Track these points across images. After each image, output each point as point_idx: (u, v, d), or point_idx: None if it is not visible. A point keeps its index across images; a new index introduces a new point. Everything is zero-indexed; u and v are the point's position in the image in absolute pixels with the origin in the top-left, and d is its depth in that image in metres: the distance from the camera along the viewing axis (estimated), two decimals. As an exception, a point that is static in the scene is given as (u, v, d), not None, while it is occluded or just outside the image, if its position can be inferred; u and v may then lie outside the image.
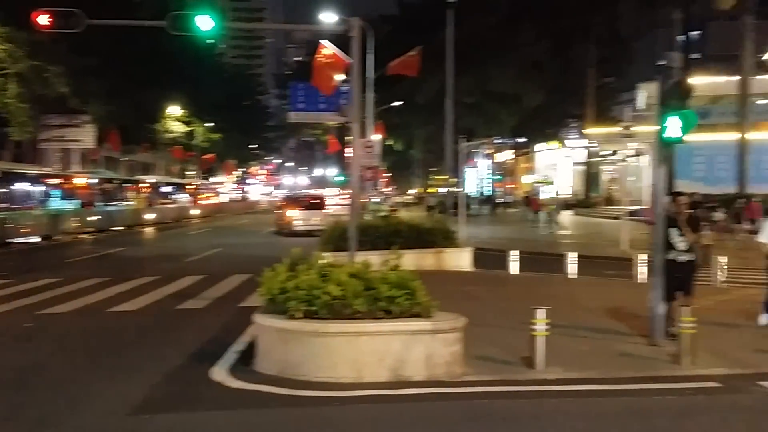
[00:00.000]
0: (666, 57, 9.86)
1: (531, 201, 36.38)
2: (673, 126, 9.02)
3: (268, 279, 8.15)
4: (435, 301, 7.80)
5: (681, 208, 9.51)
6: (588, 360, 8.16)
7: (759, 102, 38.84)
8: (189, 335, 9.87)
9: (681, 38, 38.70)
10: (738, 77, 33.43)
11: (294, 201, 34.00)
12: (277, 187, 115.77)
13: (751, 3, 31.81)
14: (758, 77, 37.27)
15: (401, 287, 7.74)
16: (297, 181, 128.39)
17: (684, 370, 7.69)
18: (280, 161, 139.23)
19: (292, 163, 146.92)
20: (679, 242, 9.33)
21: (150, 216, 41.58)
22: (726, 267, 14.81)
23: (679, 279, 9.17)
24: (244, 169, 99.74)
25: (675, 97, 9.09)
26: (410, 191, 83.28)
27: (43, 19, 13.98)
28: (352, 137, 13.54)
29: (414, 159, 72.65)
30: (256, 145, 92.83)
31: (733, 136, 33.56)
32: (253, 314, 8.25)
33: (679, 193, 9.72)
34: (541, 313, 7.80)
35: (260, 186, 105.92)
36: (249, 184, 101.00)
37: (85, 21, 14.06)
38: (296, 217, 30.81)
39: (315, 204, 32.83)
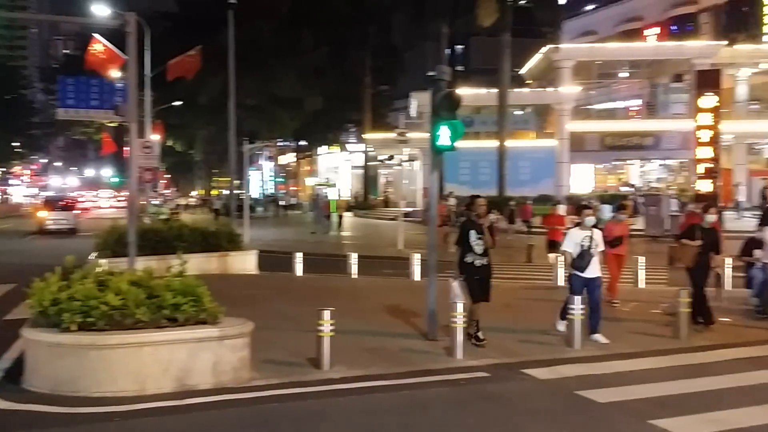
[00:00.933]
0: (436, 69, 10.52)
1: (322, 205, 36.46)
2: (444, 135, 9.69)
3: (39, 290, 7.62)
4: (221, 307, 7.75)
5: (481, 210, 9.48)
6: (371, 358, 8.54)
7: (516, 113, 42.84)
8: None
9: (447, 51, 41.60)
10: (497, 90, 36.48)
11: (48, 203, 37.78)
12: (44, 188, 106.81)
13: (508, 21, 34.81)
14: (515, 90, 41.11)
15: (186, 294, 7.60)
16: (66, 182, 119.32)
17: (457, 362, 8.33)
18: (47, 161, 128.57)
19: (61, 163, 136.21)
20: (477, 245, 9.28)
21: None
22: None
23: (478, 282, 9.24)
24: (5, 169, 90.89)
25: (445, 108, 9.72)
26: (192, 193, 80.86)
27: None
28: (128, 137, 12.96)
29: (195, 160, 70.67)
30: (19, 143, 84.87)
31: (493, 143, 36.59)
32: (21, 328, 7.65)
33: (477, 196, 9.87)
34: (326, 314, 8.04)
35: (24, 187, 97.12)
36: (11, 185, 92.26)
37: None
38: (47, 217, 34.08)
39: (65, 206, 37.10)
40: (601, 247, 9.83)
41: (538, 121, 45.01)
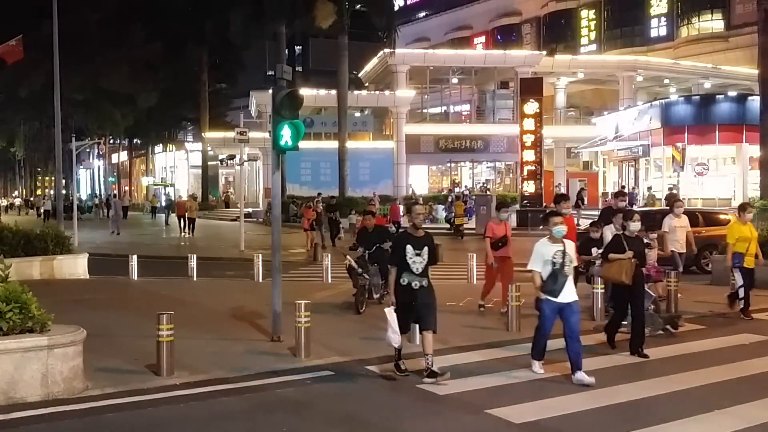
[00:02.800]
0: (276, 68, 10.46)
1: (178, 205, 34.10)
2: (286, 134, 9.67)
3: None
4: (50, 314, 7.30)
5: (418, 220, 7.95)
6: (214, 362, 8.36)
7: (355, 114, 43.54)
8: None
9: (286, 51, 41.42)
10: (336, 91, 36.89)
11: None
12: None
13: (345, 24, 35.24)
14: (354, 92, 41.79)
15: (11, 301, 7.09)
16: None
17: (303, 362, 8.36)
18: None
19: None
20: (415, 263, 7.62)
21: None
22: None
23: (416, 307, 7.67)
24: None
25: (287, 107, 9.69)
26: (14, 194, 75.13)
27: None
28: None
29: (17, 158, 65.69)
30: None
31: (333, 144, 36.97)
32: None
33: (416, 203, 8.91)
34: (165, 319, 7.78)
35: None
36: None
37: None
38: None
39: None
40: (575, 263, 8.23)
41: (376, 123, 45.99)
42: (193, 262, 16.38)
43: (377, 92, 45.45)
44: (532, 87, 32.83)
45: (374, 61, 45.67)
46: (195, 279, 16.09)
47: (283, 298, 9.51)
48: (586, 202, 33.86)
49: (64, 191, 30.95)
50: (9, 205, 60.23)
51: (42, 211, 43.49)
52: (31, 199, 65.62)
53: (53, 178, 55.93)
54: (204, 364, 8.24)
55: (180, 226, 31.78)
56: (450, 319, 10.29)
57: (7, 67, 23.32)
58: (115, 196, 48.19)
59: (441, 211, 32.74)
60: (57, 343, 7.12)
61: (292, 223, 31.13)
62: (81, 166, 57.47)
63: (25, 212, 54.31)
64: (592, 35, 54.18)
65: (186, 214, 31.07)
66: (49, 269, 15.66)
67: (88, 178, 71.13)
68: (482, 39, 59.82)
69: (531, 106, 31.79)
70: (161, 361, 7.75)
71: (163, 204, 50.20)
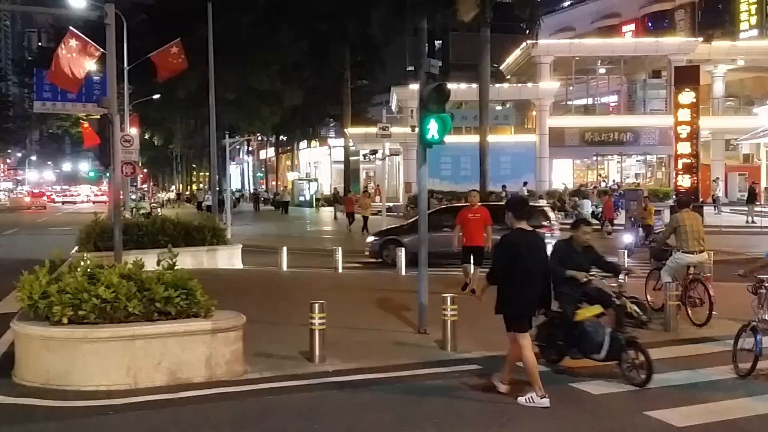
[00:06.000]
0: (424, 63, 10.47)
1: (346, 202, 32.39)
2: (433, 128, 9.70)
3: (28, 283, 7.53)
4: (213, 300, 7.71)
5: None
6: (364, 350, 8.54)
7: (496, 108, 42.99)
8: (-71, 350, 8.74)
9: (426, 47, 41.52)
10: (477, 85, 36.55)
11: None
12: (20, 182, 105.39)
13: (488, 17, 34.85)
14: (495, 85, 41.25)
15: (178, 287, 7.55)
16: (43, 176, 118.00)
17: (450, 355, 8.36)
18: (21, 154, 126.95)
19: (35, 157, 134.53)
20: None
21: None
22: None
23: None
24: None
25: (434, 101, 9.71)
26: (171, 188, 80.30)
27: None
28: (101, 130, 12.79)
29: (174, 155, 70.13)
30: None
31: (474, 138, 36.68)
32: (6, 321, 7.58)
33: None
34: (317, 308, 8.03)
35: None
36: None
37: None
38: None
39: None
40: None
41: (518, 116, 45.23)
42: (338, 255, 16.80)
43: (519, 85, 44.63)
44: (687, 75, 30.98)
45: (516, 52, 44.88)
46: (340, 271, 16.49)
47: (428, 290, 9.55)
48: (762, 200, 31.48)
49: (221, 186, 32.62)
50: (168, 199, 64.33)
51: (204, 205, 46.06)
52: (186, 193, 69.90)
53: (207, 174, 59.17)
54: (354, 352, 8.42)
55: (348, 223, 30.22)
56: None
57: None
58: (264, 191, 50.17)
59: (587, 207, 31.65)
60: (220, 327, 7.52)
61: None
62: (232, 162, 60.39)
63: (180, 205, 57.87)
64: (753, 20, 50.40)
65: (355, 210, 29.68)
66: (207, 259, 16.55)
67: (239, 174, 74.69)
68: (631, 27, 57.26)
69: (686, 96, 30.00)
70: (314, 349, 7.99)
71: (306, 198, 51.99)
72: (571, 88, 44.72)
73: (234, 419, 6.31)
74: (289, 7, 47.49)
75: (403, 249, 16.16)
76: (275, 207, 49.41)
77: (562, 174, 43.36)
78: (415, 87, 23.13)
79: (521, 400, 6.66)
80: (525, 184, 36.87)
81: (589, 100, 47.50)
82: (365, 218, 27.90)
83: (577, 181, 43.88)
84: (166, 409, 6.55)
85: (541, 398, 6.60)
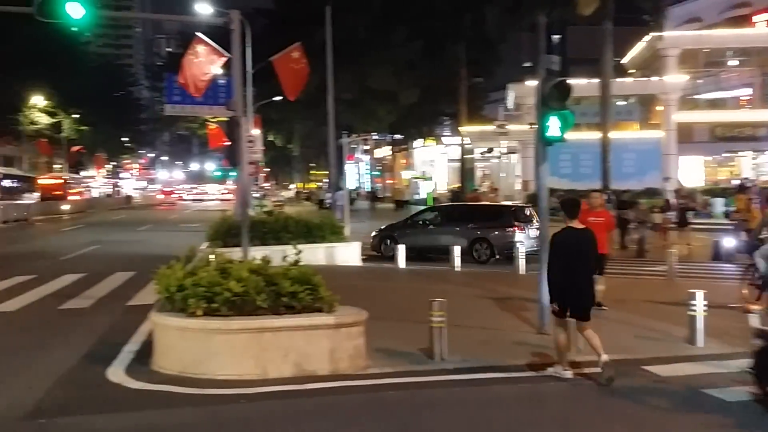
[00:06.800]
0: (544, 59, 10.27)
1: (472, 200, 30.96)
2: (554, 125, 9.53)
3: (165, 276, 7.98)
4: (336, 296, 7.90)
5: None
6: (484, 349, 8.50)
7: (618, 103, 41.57)
8: (77, 336, 9.45)
9: (544, 42, 40.61)
10: (598, 80, 35.48)
11: None
12: (152, 181, 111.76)
13: (610, 10, 33.77)
14: (617, 80, 39.87)
15: (303, 282, 7.79)
16: (172, 175, 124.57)
17: (574, 357, 8.17)
18: (154, 155, 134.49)
19: (167, 157, 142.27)
20: None
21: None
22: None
23: None
24: (116, 163, 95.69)
25: (555, 98, 9.55)
26: (291, 186, 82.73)
27: None
28: (230, 131, 13.30)
29: (293, 154, 72.17)
30: (128, 138, 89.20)
31: (595, 135, 35.64)
32: (145, 312, 8.07)
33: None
34: (437, 305, 8.07)
35: (133, 180, 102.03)
36: (122, 178, 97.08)
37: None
38: None
39: None
40: None
41: (642, 111, 43.57)
42: (456, 252, 16.79)
43: (644, 79, 42.98)
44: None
45: (640, 45, 43.23)
46: (458, 269, 16.47)
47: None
48: None
49: (340, 185, 33.21)
50: (290, 197, 66.24)
51: (326, 203, 47.15)
52: (303, 191, 71.77)
53: (325, 172, 60.52)
54: (474, 350, 8.40)
55: None
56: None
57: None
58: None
59: (719, 206, 29.99)
60: (343, 322, 7.71)
61: (552, 216, 30.49)
62: (349, 161, 61.47)
63: (299, 203, 59.47)
64: None
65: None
66: (327, 256, 16.94)
67: (355, 172, 75.95)
68: (764, 16, 53.87)
69: (827, 88, 27.96)
70: (434, 346, 8.04)
71: (422, 197, 52.19)
72: (699, 81, 42.60)
73: (357, 412, 6.46)
74: (404, 7, 47.82)
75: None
76: (396, 205, 49.39)
77: (689, 171, 41.39)
78: (532, 83, 22.75)
79: (550, 370, 7.42)
80: (666, 179, 35.38)
81: (719, 94, 45.08)
82: None
83: (708, 179, 41.77)
84: (294, 399, 6.79)
85: (564, 370, 7.33)
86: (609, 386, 7.02)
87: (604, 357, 7.21)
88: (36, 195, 49.34)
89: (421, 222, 20.46)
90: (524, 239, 17.86)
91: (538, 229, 17.97)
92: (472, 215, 20.19)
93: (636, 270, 16.67)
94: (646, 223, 20.54)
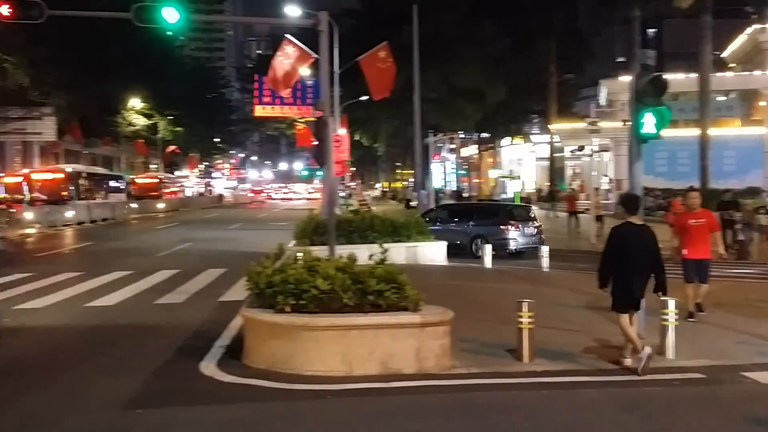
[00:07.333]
0: (639, 54, 9.94)
1: (568, 199, 29.41)
2: (649, 122, 9.21)
3: (255, 273, 8.14)
4: (422, 295, 7.86)
5: None
6: (573, 352, 8.28)
7: (718, 98, 39.81)
8: (172, 330, 9.78)
9: (639, 36, 39.34)
10: (696, 74, 34.10)
11: None
12: (242, 180, 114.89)
13: (708, 2, 32.41)
14: (717, 74, 38.20)
15: (389, 281, 7.79)
16: (261, 175, 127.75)
17: (669, 362, 7.87)
18: (244, 155, 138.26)
19: (256, 157, 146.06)
20: None
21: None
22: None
23: None
24: (208, 163, 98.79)
25: (650, 94, 9.23)
26: (376, 185, 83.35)
27: (4, 10, 13.63)
28: (317, 131, 13.45)
29: (378, 153, 72.61)
30: (220, 139, 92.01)
31: (693, 132, 34.29)
32: (236, 308, 8.24)
33: None
34: (526, 306, 7.91)
35: (224, 180, 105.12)
36: (213, 177, 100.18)
37: (46, 12, 13.74)
38: None
39: None
40: None
41: (743, 107, 41.60)
42: (544, 253, 16.49)
43: (745, 73, 41.02)
44: None
45: (741, 38, 41.28)
46: (547, 270, 16.16)
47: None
48: None
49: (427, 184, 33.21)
50: (376, 196, 66.76)
51: (406, 200, 47.22)
52: (386, 190, 72.13)
53: (410, 171, 60.62)
54: (563, 353, 8.21)
55: (574, 223, 26.93)
56: None
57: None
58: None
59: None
60: (428, 321, 7.67)
61: (647, 216, 29.36)
62: (435, 160, 61.39)
63: (385, 202, 59.80)
64: None
65: (576, 209, 26.97)
66: (412, 254, 16.92)
67: (441, 171, 75.76)
68: None
69: None
70: (522, 347, 7.89)
71: (508, 196, 51.44)
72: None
73: (444, 412, 6.40)
74: (492, 2, 47.31)
75: None
76: None
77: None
78: (626, 79, 22.07)
79: (627, 362, 7.70)
80: None
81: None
82: (599, 218, 24.28)
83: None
84: (380, 397, 6.80)
85: (643, 350, 7.48)
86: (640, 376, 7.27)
87: (628, 361, 7.66)
88: (122, 194, 47.70)
89: (428, 219, 20.56)
90: (517, 236, 19.35)
91: (536, 227, 20.10)
92: (473, 213, 21.40)
93: (738, 273, 15.92)
94: (752, 225, 19.63)
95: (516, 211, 21.05)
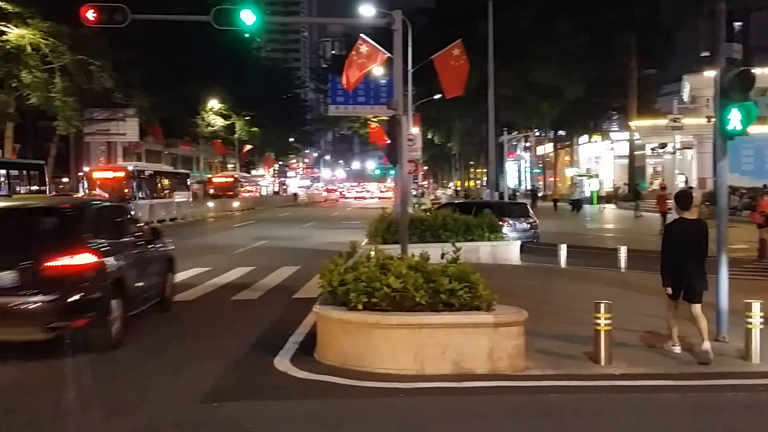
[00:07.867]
0: (725, 48, 9.57)
1: (660, 199, 28.51)
2: (735, 118, 8.89)
3: (328, 271, 8.21)
4: (495, 295, 7.77)
5: None
6: (652, 355, 8.05)
7: (810, 94, 37.92)
8: (247, 326, 9.96)
9: (724, 29, 37.78)
10: (786, 69, 32.61)
11: None
12: (315, 179, 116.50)
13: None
14: (809, 68, 36.37)
15: (461, 280, 7.73)
16: (335, 174, 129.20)
17: (753, 367, 7.55)
18: (318, 154, 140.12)
19: (329, 157, 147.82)
20: None
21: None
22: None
23: None
24: (283, 162, 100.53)
25: (737, 89, 8.90)
26: (449, 184, 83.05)
27: (89, 15, 14.15)
28: (390, 130, 13.45)
29: (451, 152, 72.28)
30: (294, 138, 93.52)
31: (782, 128, 32.84)
32: (309, 305, 8.33)
33: None
34: (603, 308, 7.71)
35: (298, 179, 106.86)
36: (288, 176, 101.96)
37: (130, 16, 14.20)
38: None
39: None
40: None
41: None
42: (621, 253, 16.07)
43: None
44: None
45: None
46: (623, 270, 15.74)
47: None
48: None
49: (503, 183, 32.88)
50: (450, 195, 66.46)
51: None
52: (458, 189, 71.71)
53: (484, 170, 60.13)
54: (641, 356, 7.99)
55: (662, 223, 24.96)
56: None
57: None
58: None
59: None
60: (502, 321, 7.56)
61: (732, 216, 28.14)
62: (509, 159, 60.72)
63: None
64: None
65: (668, 209, 25.22)
66: (485, 254, 16.74)
67: (515, 170, 74.86)
68: None
69: None
70: (599, 350, 7.69)
71: (586, 195, 50.29)
72: None
73: (517, 413, 6.31)
74: (570, -1, 46.40)
75: None
76: (572, 207, 46.34)
77: None
78: (710, 74, 21.25)
79: (665, 348, 8.18)
80: None
81: None
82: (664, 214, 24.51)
83: None
84: (451, 396, 6.75)
85: (673, 346, 8.11)
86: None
87: (706, 345, 7.75)
88: (188, 193, 44.73)
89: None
90: (508, 232, 19.64)
91: (529, 223, 21.27)
92: (472, 210, 20.66)
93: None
94: None
95: (510, 209, 22.78)
